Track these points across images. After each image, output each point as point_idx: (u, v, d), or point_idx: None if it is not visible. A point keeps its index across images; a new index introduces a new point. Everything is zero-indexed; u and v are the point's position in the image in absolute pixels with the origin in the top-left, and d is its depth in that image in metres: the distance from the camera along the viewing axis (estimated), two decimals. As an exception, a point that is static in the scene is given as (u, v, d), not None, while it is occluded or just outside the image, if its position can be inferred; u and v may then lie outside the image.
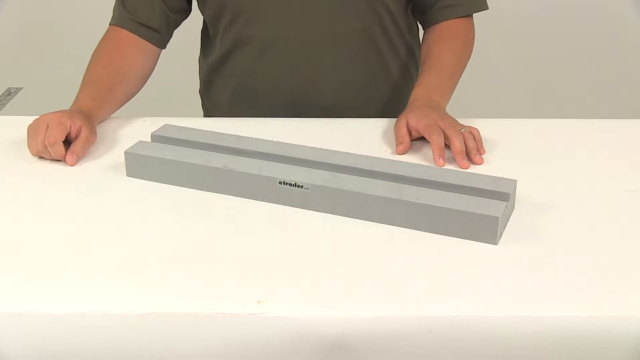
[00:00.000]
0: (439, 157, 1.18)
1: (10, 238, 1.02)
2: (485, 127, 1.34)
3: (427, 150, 1.25)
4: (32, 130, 1.23)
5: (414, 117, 1.25)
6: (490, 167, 1.10)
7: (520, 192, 1.09)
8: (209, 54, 1.51)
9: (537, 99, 2.95)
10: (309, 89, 1.44)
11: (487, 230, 0.99)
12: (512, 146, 1.28)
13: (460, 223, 1.00)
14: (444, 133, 1.21)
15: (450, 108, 1.35)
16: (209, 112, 1.61)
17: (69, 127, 1.21)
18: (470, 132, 1.23)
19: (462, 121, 1.26)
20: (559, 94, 2.98)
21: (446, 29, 1.44)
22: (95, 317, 0.88)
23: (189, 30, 1.58)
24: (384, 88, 1.50)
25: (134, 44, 1.41)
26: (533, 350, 0.87)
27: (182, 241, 1.01)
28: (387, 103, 1.51)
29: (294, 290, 0.91)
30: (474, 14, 1.46)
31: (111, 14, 1.44)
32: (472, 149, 1.20)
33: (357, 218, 1.05)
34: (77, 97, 1.33)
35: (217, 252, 0.98)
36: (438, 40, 1.43)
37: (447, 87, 1.37)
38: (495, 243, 0.99)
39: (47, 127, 1.21)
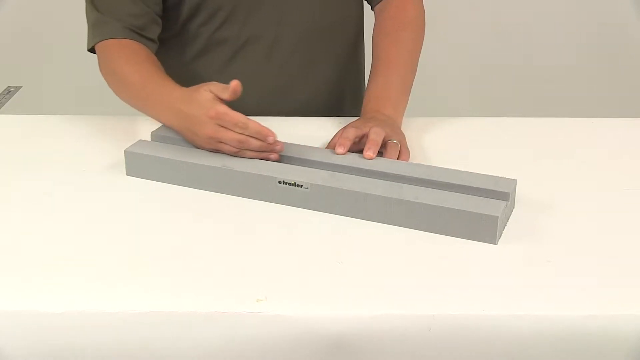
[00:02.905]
0: (368, 149, 1.14)
1: (10, 238, 1.02)
2: (485, 127, 1.34)
3: (427, 151, 1.25)
4: (211, 143, 1.13)
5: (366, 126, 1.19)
6: (490, 167, 1.10)
7: (520, 192, 1.09)
8: (170, 55, 1.39)
9: (536, 98, 2.95)
10: (281, 91, 1.41)
11: (486, 229, 0.99)
12: (512, 146, 1.28)
13: (460, 222, 1.00)
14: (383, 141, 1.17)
15: (451, 107, 1.35)
16: None
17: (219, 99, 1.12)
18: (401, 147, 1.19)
19: (462, 120, 1.26)
20: (558, 93, 2.98)
21: (391, 16, 1.38)
22: (95, 316, 0.88)
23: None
24: (359, 85, 1.49)
25: (137, 45, 1.32)
26: (533, 350, 0.87)
27: (181, 240, 1.01)
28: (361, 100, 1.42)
29: (293, 290, 0.91)
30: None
31: None
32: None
33: (357, 218, 1.05)
34: (157, 95, 1.21)
35: (217, 252, 0.98)
36: (385, 35, 1.37)
37: (400, 98, 1.30)
38: (494, 243, 0.99)
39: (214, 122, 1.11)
